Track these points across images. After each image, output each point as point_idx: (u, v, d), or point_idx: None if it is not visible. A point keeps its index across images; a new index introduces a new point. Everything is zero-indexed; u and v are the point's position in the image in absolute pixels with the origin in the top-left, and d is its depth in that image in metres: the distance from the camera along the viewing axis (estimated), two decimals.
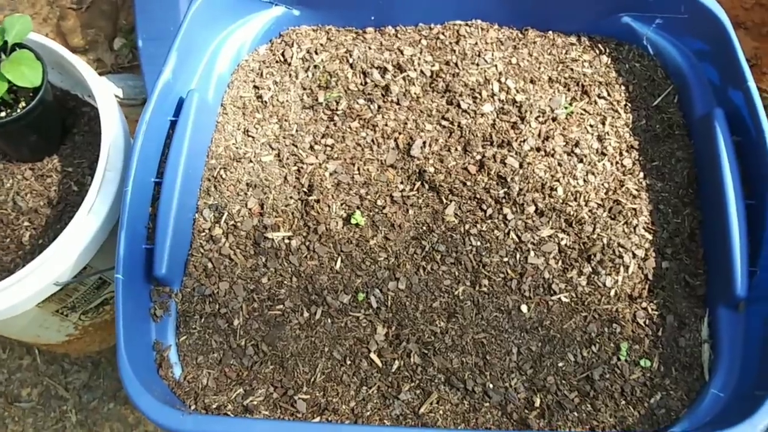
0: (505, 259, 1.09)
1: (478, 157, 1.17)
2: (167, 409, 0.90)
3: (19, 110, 1.17)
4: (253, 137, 1.20)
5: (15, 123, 1.17)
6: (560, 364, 1.02)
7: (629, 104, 1.24)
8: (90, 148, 1.29)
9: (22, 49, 1.15)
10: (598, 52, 1.29)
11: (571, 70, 1.27)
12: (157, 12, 1.67)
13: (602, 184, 1.15)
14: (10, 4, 1.93)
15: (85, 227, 1.12)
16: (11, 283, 1.08)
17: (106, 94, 1.22)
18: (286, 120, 1.22)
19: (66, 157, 1.28)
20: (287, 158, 1.19)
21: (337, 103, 1.23)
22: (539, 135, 1.19)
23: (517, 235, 1.10)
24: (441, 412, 0.98)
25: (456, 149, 1.19)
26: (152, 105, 1.08)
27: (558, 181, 1.15)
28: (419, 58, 1.27)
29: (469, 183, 1.15)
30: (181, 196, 1.08)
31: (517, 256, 1.09)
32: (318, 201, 1.14)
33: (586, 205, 1.13)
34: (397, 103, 1.23)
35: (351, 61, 1.26)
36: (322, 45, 1.28)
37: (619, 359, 1.02)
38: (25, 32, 1.15)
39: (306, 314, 1.06)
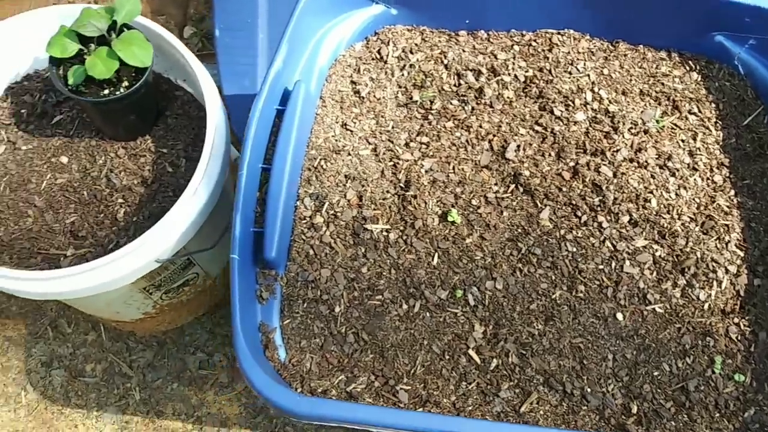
0: (601, 267, 1.11)
1: (572, 164, 1.19)
2: (282, 389, 0.92)
3: (122, 89, 1.19)
4: (351, 131, 1.22)
5: (118, 102, 1.18)
6: (655, 373, 1.04)
7: (719, 122, 1.26)
8: (185, 131, 1.30)
9: (131, 30, 1.16)
10: (688, 68, 1.32)
11: (662, 84, 1.29)
12: (235, 3, 1.69)
13: (694, 199, 1.17)
14: None
15: (188, 208, 1.14)
16: (115, 258, 1.10)
17: (208, 79, 1.23)
18: (382, 116, 1.24)
19: (159, 139, 1.30)
20: (383, 153, 1.20)
21: (431, 102, 1.25)
22: (632, 146, 1.21)
23: (612, 244, 1.12)
24: (541, 412, 1.00)
25: (549, 155, 1.21)
26: (265, 93, 1.10)
27: (651, 192, 1.17)
28: (513, 63, 1.29)
29: (564, 189, 1.17)
30: (287, 183, 1.10)
31: (613, 264, 1.11)
32: (415, 197, 1.16)
33: (678, 218, 1.15)
34: (491, 106, 1.25)
35: (446, 62, 1.28)
36: (416, 45, 1.30)
37: (713, 372, 1.04)
38: (134, 13, 1.16)
39: (405, 306, 1.08)
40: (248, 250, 1.06)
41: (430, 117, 1.24)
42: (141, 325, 1.53)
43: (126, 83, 1.20)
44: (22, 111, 1.31)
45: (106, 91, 1.19)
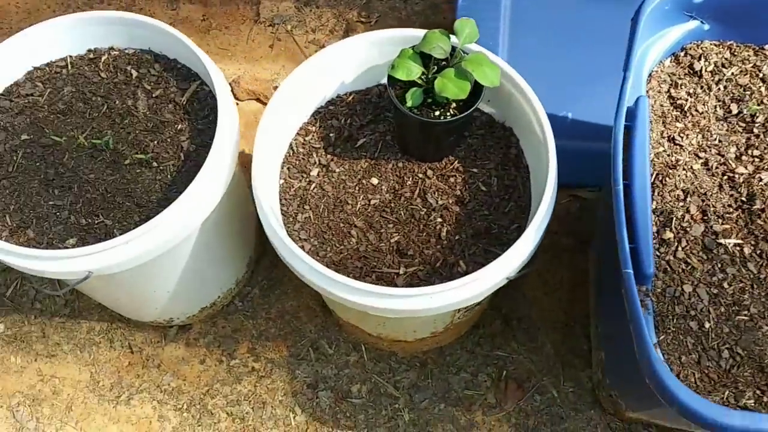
0: None
1: None
2: (710, 403, 0.91)
3: (451, 110, 1.21)
4: (680, 145, 1.22)
5: (451, 123, 1.20)
6: None
7: None
8: (491, 151, 1.31)
9: (475, 52, 1.18)
10: None
11: None
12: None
13: None
14: (297, 15, 2.00)
15: (539, 225, 1.14)
16: (476, 278, 1.10)
17: (537, 104, 1.24)
18: (707, 130, 1.23)
19: (464, 159, 1.31)
20: (716, 167, 1.20)
21: (753, 116, 1.24)
22: None
23: None
24: None
25: None
26: (624, 111, 1.11)
27: None
28: None
29: None
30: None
31: None
32: (763, 210, 1.14)
33: None
34: None
35: (761, 75, 1.28)
36: (727, 59, 1.30)
37: None
38: (474, 36, 1.18)
39: None
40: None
41: (755, 130, 1.23)
42: (410, 345, 1.53)
43: (454, 104, 1.22)
44: (330, 135, 1.33)
45: (437, 113, 1.21)
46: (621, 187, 1.05)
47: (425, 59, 1.19)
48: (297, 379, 1.58)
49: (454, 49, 1.19)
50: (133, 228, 1.20)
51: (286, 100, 1.26)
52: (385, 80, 1.37)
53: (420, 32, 1.27)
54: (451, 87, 1.14)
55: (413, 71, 1.16)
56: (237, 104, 1.86)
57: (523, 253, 1.13)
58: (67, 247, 1.18)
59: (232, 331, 1.63)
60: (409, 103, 1.18)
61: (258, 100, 1.91)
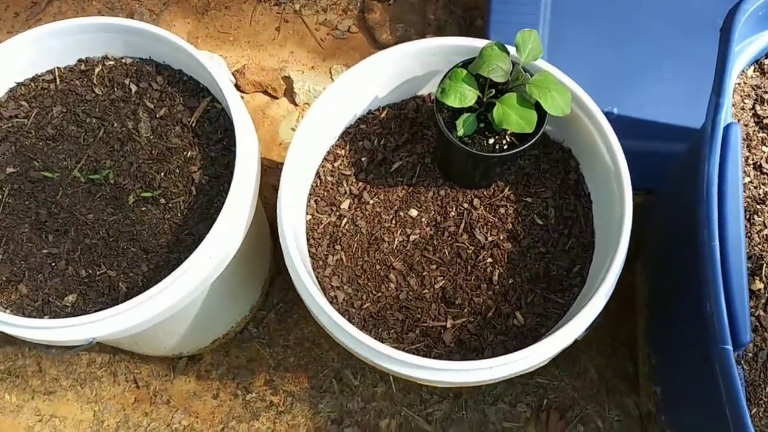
0: None
1: None
2: None
3: (507, 138, 1.04)
4: (767, 174, 1.06)
5: (506, 156, 1.03)
6: None
7: None
8: (547, 176, 1.15)
9: (541, 71, 1.01)
10: None
11: None
12: (513, 16, 1.53)
13: None
14: None
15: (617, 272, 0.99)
16: (542, 347, 0.96)
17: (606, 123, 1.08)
18: None
19: (516, 185, 1.15)
20: None
21: None
22: None
23: None
24: None
25: None
26: (717, 148, 0.94)
27: None
28: None
29: None
30: None
31: None
32: None
33: None
34: None
35: None
36: None
37: None
38: (538, 52, 1.00)
39: None
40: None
41: None
42: None
43: (510, 131, 1.04)
44: (362, 159, 1.16)
45: (491, 140, 1.04)
46: (717, 243, 0.90)
47: (479, 78, 1.01)
48: (320, 414, 1.45)
49: (513, 65, 1.01)
50: (141, 279, 1.04)
51: (316, 124, 1.09)
52: (422, 92, 1.21)
53: (467, 42, 1.09)
54: (514, 118, 0.97)
55: (467, 96, 0.99)
56: (242, 97, 1.67)
57: (595, 311, 0.98)
58: (66, 305, 1.02)
59: (247, 361, 1.48)
60: (460, 132, 1.01)
61: (265, 92, 1.72)
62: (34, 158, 1.09)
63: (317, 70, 1.73)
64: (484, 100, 1.01)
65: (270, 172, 1.59)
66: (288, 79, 1.70)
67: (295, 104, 1.69)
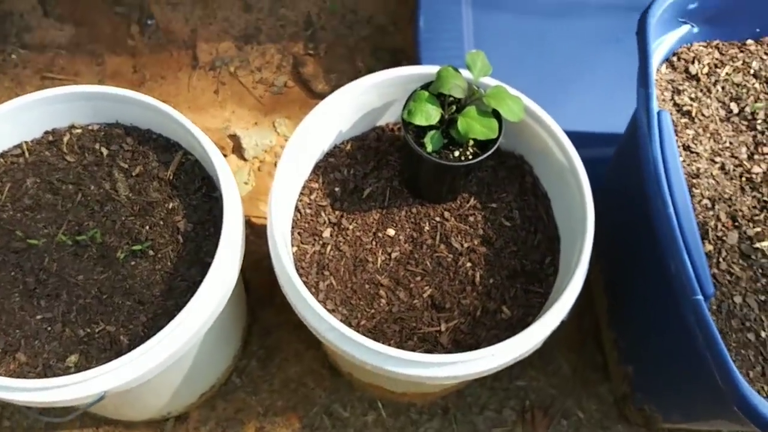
0: None
1: None
2: None
3: (470, 149, 1.14)
4: (696, 153, 1.21)
5: (472, 164, 1.13)
6: None
7: None
8: (506, 182, 1.26)
9: (494, 86, 1.12)
10: None
11: None
12: (439, 52, 1.67)
13: None
14: (239, 55, 1.87)
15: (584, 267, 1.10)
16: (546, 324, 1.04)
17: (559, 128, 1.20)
18: (717, 133, 1.23)
19: (479, 195, 1.25)
20: (733, 170, 1.20)
21: (754, 114, 1.26)
22: None
23: None
24: None
25: None
26: (655, 130, 1.08)
27: None
28: None
29: None
30: None
31: None
32: None
33: None
34: None
35: (752, 72, 1.30)
36: (718, 59, 1.31)
37: None
38: (487, 69, 1.12)
39: None
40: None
41: (759, 127, 1.24)
42: (429, 394, 1.45)
43: (471, 143, 1.14)
44: (336, 189, 1.23)
45: (456, 153, 1.14)
46: (671, 210, 1.02)
47: (440, 98, 1.11)
48: None
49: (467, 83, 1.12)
50: (141, 329, 1.06)
51: (290, 165, 1.15)
52: (381, 122, 1.30)
53: (420, 69, 1.20)
54: (477, 127, 1.07)
55: (432, 115, 1.08)
56: None
57: (576, 291, 1.08)
58: (69, 366, 1.02)
59: (235, 412, 1.48)
60: (429, 148, 1.10)
61: None
62: (14, 229, 1.10)
63: (261, 125, 1.79)
64: (446, 116, 1.11)
65: None
66: (234, 137, 1.76)
67: (245, 159, 1.75)
